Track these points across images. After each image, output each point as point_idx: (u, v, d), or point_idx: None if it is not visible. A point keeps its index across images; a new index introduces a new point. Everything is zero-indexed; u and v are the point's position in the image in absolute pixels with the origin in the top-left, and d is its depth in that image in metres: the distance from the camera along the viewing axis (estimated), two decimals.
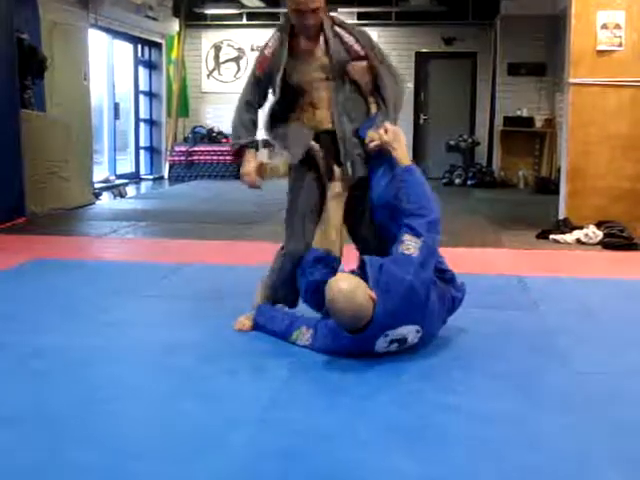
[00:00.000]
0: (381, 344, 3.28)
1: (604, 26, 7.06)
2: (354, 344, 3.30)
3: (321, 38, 3.66)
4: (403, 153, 3.56)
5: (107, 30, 11.41)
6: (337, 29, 3.67)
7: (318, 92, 3.68)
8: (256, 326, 3.79)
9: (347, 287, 3.19)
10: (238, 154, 3.81)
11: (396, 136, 3.57)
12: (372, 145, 3.58)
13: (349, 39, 3.65)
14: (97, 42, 11.23)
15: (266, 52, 3.75)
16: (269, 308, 3.81)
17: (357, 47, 3.64)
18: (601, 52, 7.08)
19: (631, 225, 6.89)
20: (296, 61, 3.68)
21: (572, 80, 7.17)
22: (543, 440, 2.59)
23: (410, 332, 3.31)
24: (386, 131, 3.56)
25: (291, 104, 3.74)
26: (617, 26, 7.03)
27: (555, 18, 11.72)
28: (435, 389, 3.07)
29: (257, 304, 3.86)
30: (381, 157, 3.60)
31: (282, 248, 3.85)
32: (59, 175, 8.86)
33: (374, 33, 13.32)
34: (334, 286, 3.21)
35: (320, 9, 3.54)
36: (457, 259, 6.00)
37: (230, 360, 3.43)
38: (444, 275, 3.65)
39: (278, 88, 3.69)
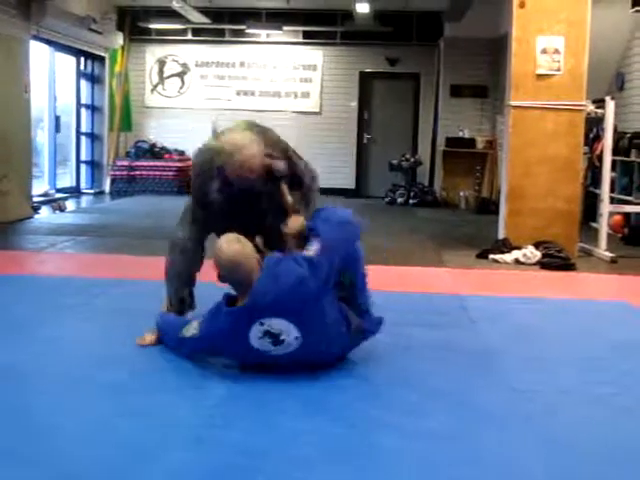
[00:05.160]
0: (255, 333, 3.25)
1: (544, 51, 7.20)
2: (230, 324, 3.28)
3: None
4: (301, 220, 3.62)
5: (49, 42, 11.27)
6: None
7: None
8: (158, 331, 3.81)
9: (232, 236, 3.36)
10: None
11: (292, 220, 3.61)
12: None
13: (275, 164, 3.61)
14: (39, 54, 11.07)
15: None
16: (170, 314, 3.84)
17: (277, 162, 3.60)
18: (541, 76, 7.22)
19: (567, 245, 7.02)
20: None
21: (513, 103, 7.30)
22: (481, 456, 2.62)
23: (287, 332, 3.27)
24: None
25: None
26: (556, 51, 7.18)
27: (497, 41, 11.92)
28: (375, 407, 3.07)
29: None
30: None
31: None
32: None
33: (319, 52, 13.46)
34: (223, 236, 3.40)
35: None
36: (398, 278, 6.08)
37: (167, 377, 3.39)
38: (356, 306, 3.59)
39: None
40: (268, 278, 3.27)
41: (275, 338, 3.28)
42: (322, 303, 3.35)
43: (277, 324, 3.26)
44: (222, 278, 3.40)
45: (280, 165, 3.54)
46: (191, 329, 3.48)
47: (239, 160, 3.44)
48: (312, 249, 3.35)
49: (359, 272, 3.60)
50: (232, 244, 3.33)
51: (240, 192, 3.55)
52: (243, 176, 3.48)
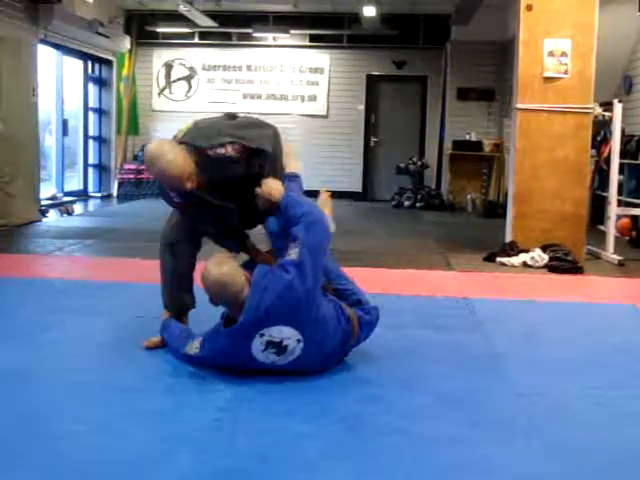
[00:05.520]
0: (257, 346, 3.27)
1: (551, 53, 7.19)
2: (231, 343, 3.30)
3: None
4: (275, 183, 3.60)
5: (57, 46, 11.29)
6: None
7: None
8: (163, 340, 3.84)
9: (218, 258, 3.40)
10: None
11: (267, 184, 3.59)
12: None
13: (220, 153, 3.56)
14: (46, 58, 11.10)
15: None
16: (172, 323, 3.85)
17: (223, 150, 3.54)
18: (548, 79, 7.20)
19: (575, 248, 7.01)
20: None
21: (520, 106, 7.28)
22: (489, 462, 2.61)
23: (289, 338, 3.29)
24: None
25: None
26: (563, 54, 7.16)
27: (504, 45, 11.92)
28: (381, 412, 3.06)
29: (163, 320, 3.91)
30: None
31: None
32: (5, 191, 8.73)
33: (326, 55, 13.46)
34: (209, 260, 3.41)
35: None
36: (405, 281, 6.08)
37: (173, 381, 3.40)
38: (346, 297, 3.68)
39: None
40: (258, 291, 3.27)
41: (278, 347, 3.29)
42: (315, 301, 3.36)
43: (277, 331, 3.26)
44: (212, 301, 3.43)
45: (223, 151, 3.51)
46: (193, 348, 3.48)
47: (154, 172, 3.47)
48: (293, 252, 3.35)
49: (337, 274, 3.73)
50: (218, 266, 3.33)
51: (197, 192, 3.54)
52: (168, 185, 3.53)
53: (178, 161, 3.42)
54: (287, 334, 3.28)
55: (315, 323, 3.35)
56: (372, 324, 3.70)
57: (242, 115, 3.88)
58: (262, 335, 3.25)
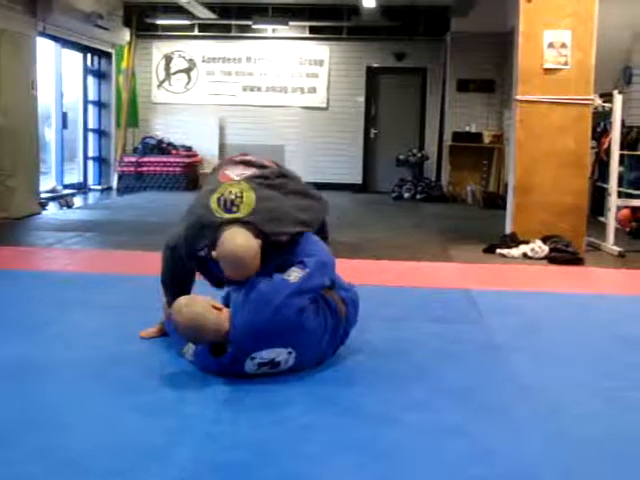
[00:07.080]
0: (250, 367, 3.25)
1: (551, 45, 7.17)
2: (222, 368, 3.28)
3: None
4: None
5: (56, 39, 11.27)
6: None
7: None
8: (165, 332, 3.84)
9: (184, 300, 3.26)
10: None
11: None
12: None
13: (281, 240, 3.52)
14: (45, 51, 11.08)
15: None
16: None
17: (284, 238, 3.51)
18: (548, 70, 7.19)
19: (575, 240, 7.01)
20: None
21: (520, 97, 7.27)
22: (492, 454, 2.60)
23: (280, 354, 3.26)
24: None
25: None
26: (563, 45, 7.15)
27: (504, 36, 11.88)
28: (382, 403, 3.06)
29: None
30: None
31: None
32: (5, 184, 8.73)
33: (326, 47, 13.45)
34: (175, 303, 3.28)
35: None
36: (405, 272, 6.08)
37: (175, 374, 3.39)
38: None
39: None
40: (242, 314, 3.21)
41: (270, 364, 3.27)
42: (304, 319, 3.28)
43: (266, 354, 3.23)
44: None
45: (284, 239, 3.50)
46: (189, 352, 3.44)
47: (232, 273, 3.40)
48: (294, 276, 3.30)
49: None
50: (185, 311, 3.20)
51: None
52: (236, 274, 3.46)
53: (254, 265, 3.37)
54: (277, 353, 3.25)
55: (307, 333, 3.30)
56: (355, 302, 3.62)
57: (291, 174, 3.87)
58: (253, 359, 3.23)
